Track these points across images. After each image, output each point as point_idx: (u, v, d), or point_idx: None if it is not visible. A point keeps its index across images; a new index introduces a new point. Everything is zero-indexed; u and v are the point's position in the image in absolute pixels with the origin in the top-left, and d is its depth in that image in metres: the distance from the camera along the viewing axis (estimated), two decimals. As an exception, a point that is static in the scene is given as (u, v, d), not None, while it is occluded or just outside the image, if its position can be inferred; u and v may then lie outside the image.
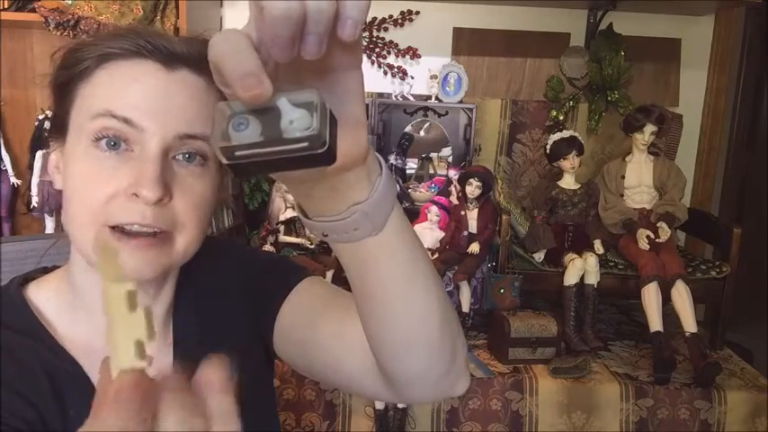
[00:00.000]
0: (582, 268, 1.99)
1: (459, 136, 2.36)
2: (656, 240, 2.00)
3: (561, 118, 2.43)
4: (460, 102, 2.28)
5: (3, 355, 0.60)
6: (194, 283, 0.73)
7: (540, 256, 2.08)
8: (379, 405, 1.77)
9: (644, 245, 1.99)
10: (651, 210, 2.14)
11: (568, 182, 2.13)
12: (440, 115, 2.35)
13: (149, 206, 0.58)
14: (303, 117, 0.32)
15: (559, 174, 2.16)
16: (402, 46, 2.44)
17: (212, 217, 0.67)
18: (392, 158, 2.32)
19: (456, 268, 2.00)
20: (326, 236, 0.47)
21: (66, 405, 0.61)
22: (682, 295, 1.91)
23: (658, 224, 2.03)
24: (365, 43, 2.42)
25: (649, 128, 2.11)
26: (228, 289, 0.76)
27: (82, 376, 0.63)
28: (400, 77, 2.45)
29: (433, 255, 2.01)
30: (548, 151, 2.16)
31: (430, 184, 2.31)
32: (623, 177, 2.17)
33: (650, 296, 1.91)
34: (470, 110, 2.28)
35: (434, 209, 2.06)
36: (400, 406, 1.78)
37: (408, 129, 2.35)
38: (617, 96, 2.37)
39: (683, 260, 2.01)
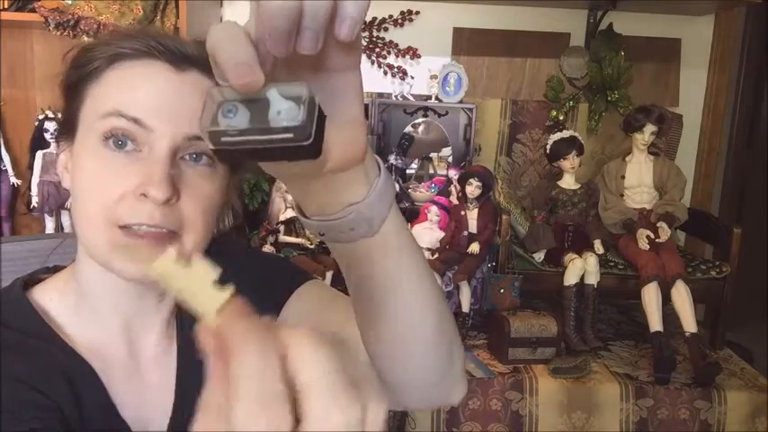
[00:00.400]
0: (582, 268, 1.99)
1: (459, 136, 2.36)
2: (656, 240, 2.00)
3: (561, 118, 2.43)
4: (460, 102, 2.28)
5: (19, 357, 0.60)
6: None
7: (540, 256, 2.08)
8: (379, 405, 1.77)
9: (644, 245, 1.99)
10: (651, 210, 2.14)
11: (568, 182, 2.13)
12: (440, 115, 2.35)
13: (157, 206, 0.58)
14: (291, 109, 0.33)
15: (559, 174, 2.16)
16: (402, 46, 2.44)
17: (219, 218, 0.67)
18: (392, 158, 2.32)
19: (456, 268, 2.00)
20: (323, 235, 0.47)
21: (83, 407, 0.61)
22: (682, 295, 1.91)
23: (658, 224, 2.03)
24: (365, 43, 2.42)
25: (649, 128, 2.11)
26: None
27: (94, 375, 0.63)
28: (400, 77, 2.45)
29: (433, 255, 2.01)
30: (548, 151, 2.16)
31: (430, 184, 2.31)
32: (623, 177, 2.17)
33: (650, 296, 1.91)
34: (470, 110, 2.28)
35: (434, 209, 2.06)
36: (400, 406, 1.78)
37: (408, 129, 2.35)
38: (617, 96, 2.37)
39: (683, 260, 2.01)
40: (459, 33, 2.47)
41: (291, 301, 0.73)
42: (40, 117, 2.11)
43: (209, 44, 0.34)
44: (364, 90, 0.42)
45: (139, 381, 0.68)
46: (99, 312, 0.66)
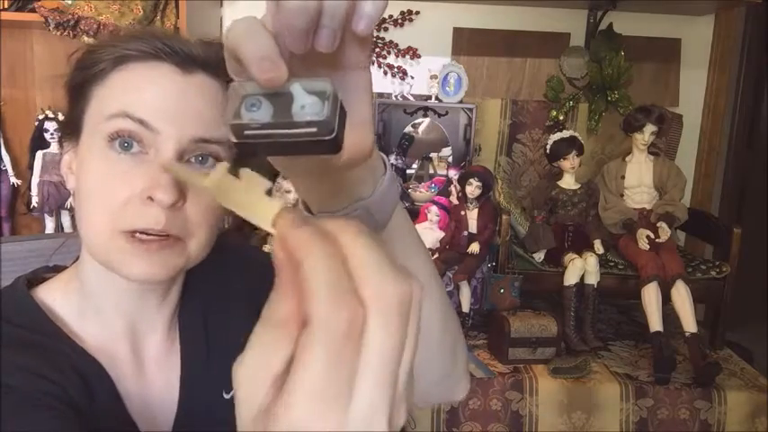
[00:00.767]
0: (582, 268, 1.99)
1: (459, 136, 2.36)
2: (656, 240, 2.00)
3: (561, 118, 2.44)
4: (460, 102, 2.28)
5: (30, 352, 0.59)
6: (201, 284, 0.73)
7: (540, 256, 2.08)
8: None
9: (644, 245, 1.99)
10: (651, 210, 2.14)
11: (568, 182, 2.13)
12: (440, 115, 2.35)
13: (164, 210, 0.58)
14: (315, 103, 0.33)
15: (559, 174, 2.16)
16: (402, 46, 2.44)
17: (223, 221, 0.67)
18: (392, 158, 2.32)
19: (456, 268, 2.00)
20: None
21: (95, 402, 0.61)
22: (682, 295, 1.91)
23: (658, 224, 2.03)
24: (365, 43, 2.42)
25: (649, 128, 2.11)
26: (234, 290, 0.76)
27: (104, 373, 0.63)
28: (400, 77, 2.45)
29: (433, 255, 2.01)
30: (548, 151, 2.16)
31: (430, 184, 2.31)
32: (623, 177, 2.17)
33: (650, 296, 1.91)
34: (470, 110, 2.28)
35: (434, 209, 2.06)
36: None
37: (408, 129, 2.35)
38: (617, 96, 2.37)
39: (682, 260, 2.01)
40: (459, 33, 2.47)
41: None
42: (40, 117, 2.11)
43: (231, 39, 0.34)
44: (372, 90, 0.43)
45: (144, 380, 0.68)
46: (103, 312, 0.66)
